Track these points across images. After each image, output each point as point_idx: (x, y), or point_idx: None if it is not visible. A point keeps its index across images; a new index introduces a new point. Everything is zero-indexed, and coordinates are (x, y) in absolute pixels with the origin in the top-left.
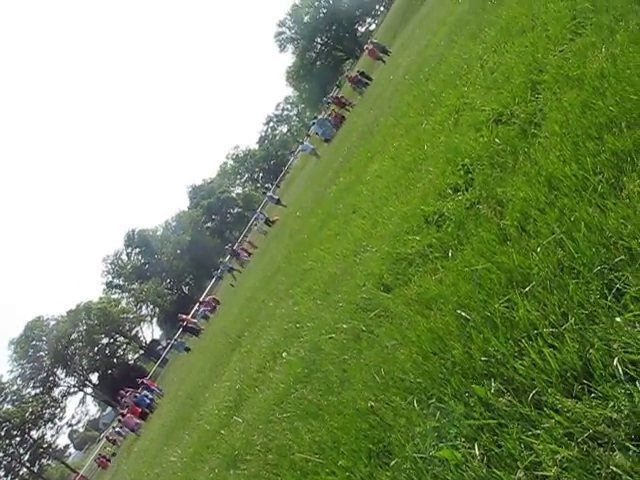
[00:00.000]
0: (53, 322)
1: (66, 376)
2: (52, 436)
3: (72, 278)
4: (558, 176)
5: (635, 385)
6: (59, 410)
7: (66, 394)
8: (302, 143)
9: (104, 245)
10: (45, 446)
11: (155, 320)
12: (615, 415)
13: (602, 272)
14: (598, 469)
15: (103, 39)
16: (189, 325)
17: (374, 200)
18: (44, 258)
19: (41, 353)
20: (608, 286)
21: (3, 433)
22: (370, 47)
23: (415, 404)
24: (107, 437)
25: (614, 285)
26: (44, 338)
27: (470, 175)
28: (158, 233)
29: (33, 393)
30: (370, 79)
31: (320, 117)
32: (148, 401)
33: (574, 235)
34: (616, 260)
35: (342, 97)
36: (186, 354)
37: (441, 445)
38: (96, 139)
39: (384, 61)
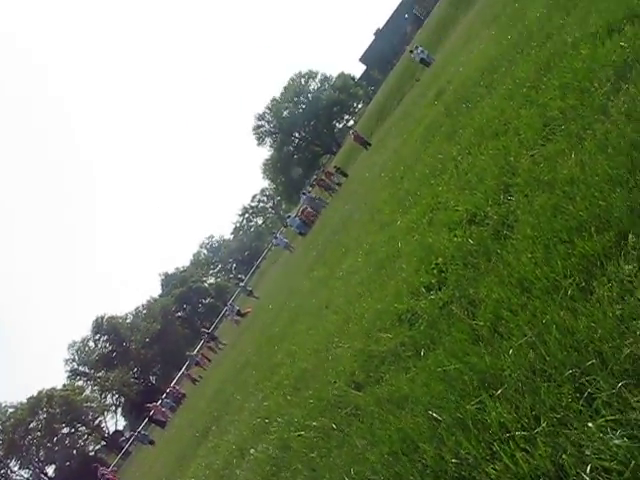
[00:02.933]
0: (11, 409)
1: (20, 468)
2: None
3: (34, 364)
4: (530, 278)
5: None
6: None
7: None
8: (276, 237)
9: (72, 331)
10: None
11: (120, 410)
12: None
13: (574, 376)
14: None
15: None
16: (155, 416)
17: (347, 296)
18: (5, 342)
19: None
20: (579, 390)
21: None
22: (355, 133)
23: None
24: None
25: (585, 389)
26: (0, 427)
27: (443, 274)
28: (128, 320)
29: None
30: (346, 175)
31: (292, 216)
32: None
33: (545, 338)
34: (587, 364)
35: (324, 178)
36: (150, 447)
37: None
38: (72, 220)
39: (369, 144)
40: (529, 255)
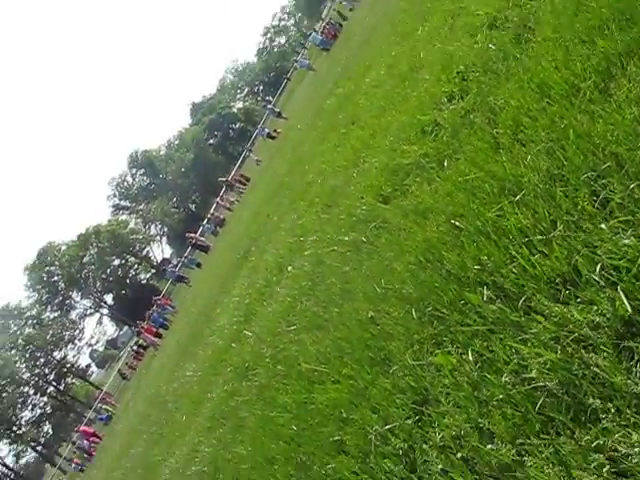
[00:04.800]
0: (64, 247)
1: (81, 299)
2: (74, 356)
3: (79, 203)
4: (549, 82)
5: (617, 290)
6: (78, 332)
7: (83, 316)
8: (296, 60)
9: (109, 168)
10: (68, 366)
11: (165, 239)
12: (598, 319)
13: (590, 179)
14: (580, 370)
15: None
16: (198, 242)
17: (372, 110)
18: (50, 185)
19: (55, 277)
20: (595, 193)
21: (28, 355)
22: None
23: (413, 313)
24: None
25: (600, 192)
26: (57, 263)
27: (465, 82)
28: (161, 152)
29: (52, 317)
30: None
31: (313, 33)
32: (162, 320)
33: (563, 143)
34: (603, 167)
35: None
36: (198, 270)
37: (437, 352)
38: (94, 64)
39: None
40: (549, 59)
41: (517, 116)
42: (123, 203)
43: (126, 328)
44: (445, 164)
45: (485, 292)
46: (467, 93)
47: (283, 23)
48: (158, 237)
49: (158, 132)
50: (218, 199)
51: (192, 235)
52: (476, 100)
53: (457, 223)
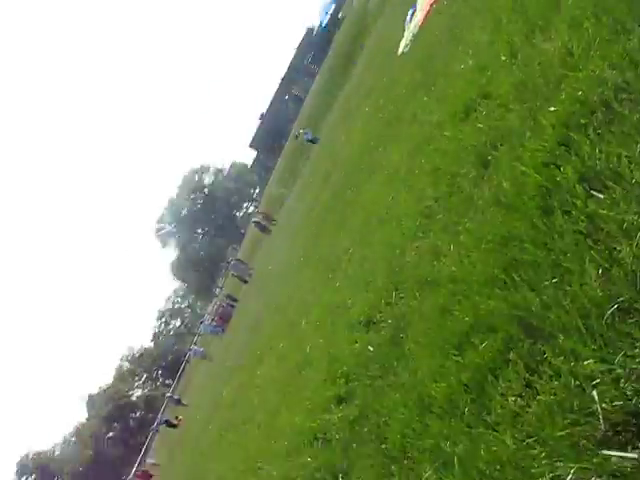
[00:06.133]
0: None
1: None
2: None
3: None
4: (428, 396)
5: None
6: None
7: None
8: (191, 349)
9: None
10: None
11: None
12: None
13: None
14: None
15: None
16: None
17: (265, 408)
18: None
19: None
20: None
21: None
22: (264, 213)
23: None
24: None
25: None
26: None
27: (350, 384)
28: (56, 453)
29: None
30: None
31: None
32: None
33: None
34: None
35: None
36: None
37: None
38: None
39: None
40: (424, 368)
41: (403, 431)
42: None
43: None
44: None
45: None
46: (353, 397)
47: (177, 306)
48: None
49: (51, 430)
50: None
51: None
52: (362, 407)
53: None
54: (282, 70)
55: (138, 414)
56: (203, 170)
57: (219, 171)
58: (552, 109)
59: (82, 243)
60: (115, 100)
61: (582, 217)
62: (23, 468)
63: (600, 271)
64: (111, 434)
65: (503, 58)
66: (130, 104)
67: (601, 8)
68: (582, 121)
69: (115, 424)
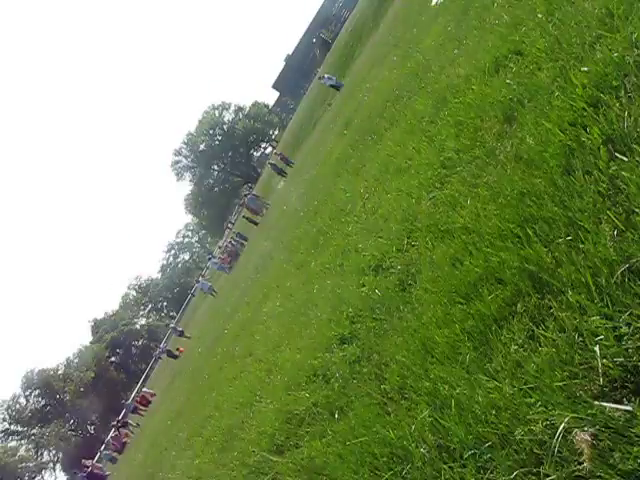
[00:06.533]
0: None
1: None
2: None
3: None
4: (431, 341)
5: None
6: None
7: None
8: (198, 281)
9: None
10: None
11: (58, 465)
12: None
13: (475, 455)
14: None
15: None
16: (94, 471)
17: (268, 344)
18: None
19: None
20: (483, 468)
21: None
22: (281, 154)
23: None
24: None
25: (487, 470)
26: None
27: (354, 325)
28: (60, 372)
29: None
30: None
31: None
32: None
33: (446, 413)
34: (487, 444)
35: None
36: None
37: None
38: None
39: (285, 173)
40: (429, 314)
41: (403, 373)
42: (14, 427)
43: None
44: (336, 416)
45: None
46: (356, 338)
47: (187, 240)
48: (51, 464)
49: (57, 350)
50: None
51: (88, 463)
52: (364, 348)
53: None
54: (312, 13)
55: (141, 342)
56: (224, 107)
57: (240, 109)
58: (584, 69)
59: (100, 166)
60: (149, 32)
61: (603, 178)
62: (28, 382)
63: (615, 232)
64: (114, 359)
65: (540, 15)
66: (161, 38)
67: None
68: (614, 83)
69: (118, 350)
